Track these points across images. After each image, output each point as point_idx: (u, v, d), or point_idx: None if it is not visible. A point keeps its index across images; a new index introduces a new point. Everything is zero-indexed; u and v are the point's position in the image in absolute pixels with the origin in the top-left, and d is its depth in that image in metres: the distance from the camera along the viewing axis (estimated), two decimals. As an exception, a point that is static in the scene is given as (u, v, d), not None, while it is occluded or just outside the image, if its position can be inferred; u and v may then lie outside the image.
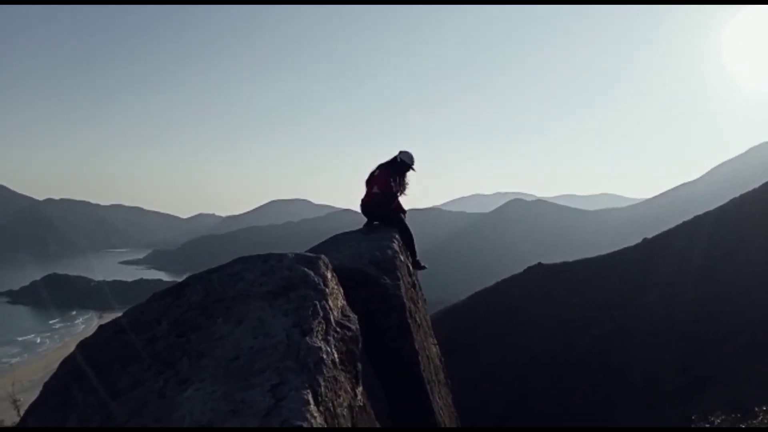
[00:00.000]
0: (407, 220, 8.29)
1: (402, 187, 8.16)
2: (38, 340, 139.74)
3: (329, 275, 4.76)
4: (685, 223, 55.20)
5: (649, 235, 59.08)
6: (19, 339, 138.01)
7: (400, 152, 8.20)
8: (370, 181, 8.08)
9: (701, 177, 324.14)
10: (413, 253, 8.03)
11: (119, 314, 4.86)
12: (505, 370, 42.58)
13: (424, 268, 8.41)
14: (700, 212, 55.69)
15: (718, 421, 7.19)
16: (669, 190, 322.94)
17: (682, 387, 31.38)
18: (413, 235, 8.19)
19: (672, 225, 58.05)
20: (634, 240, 61.15)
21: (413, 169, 8.16)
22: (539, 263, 61.82)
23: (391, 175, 7.97)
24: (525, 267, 62.52)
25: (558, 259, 64.72)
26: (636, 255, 53.94)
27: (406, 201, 8.58)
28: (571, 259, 61.76)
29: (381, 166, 8.17)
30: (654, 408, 30.35)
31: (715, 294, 39.39)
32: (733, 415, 7.21)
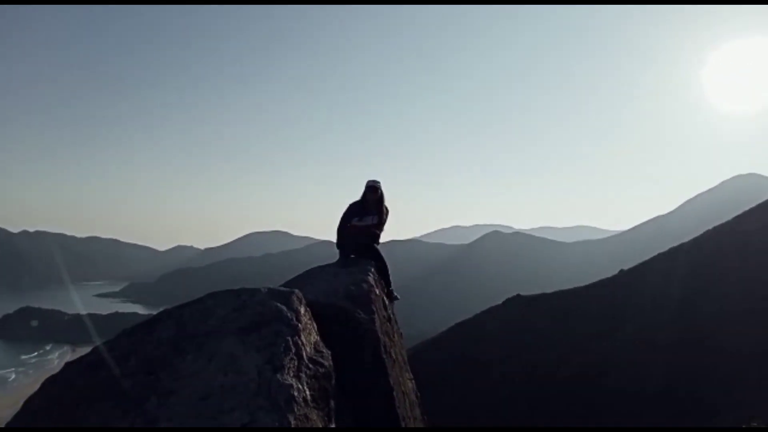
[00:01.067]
0: (382, 250, 8.30)
1: (379, 215, 8.22)
2: (11, 376, 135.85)
3: (302, 310, 4.72)
4: (660, 255, 55.96)
5: (626, 267, 59.73)
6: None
7: (367, 181, 8.28)
8: (349, 215, 8.11)
9: (675, 210, 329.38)
10: (388, 284, 8.02)
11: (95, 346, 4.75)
12: (486, 402, 42.33)
13: (396, 299, 8.40)
14: (675, 244, 56.52)
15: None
16: (644, 222, 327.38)
17: (664, 416, 31.45)
18: (388, 266, 8.20)
19: (648, 257, 58.78)
20: (612, 271, 61.75)
21: (377, 189, 8.16)
22: (518, 295, 62.05)
23: (355, 208, 8.04)
24: (504, 299, 62.68)
25: (536, 291, 65.06)
26: (613, 287, 54.45)
27: (387, 233, 8.58)
28: (549, 291, 62.10)
29: (352, 205, 8.20)
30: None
31: (694, 324, 39.82)
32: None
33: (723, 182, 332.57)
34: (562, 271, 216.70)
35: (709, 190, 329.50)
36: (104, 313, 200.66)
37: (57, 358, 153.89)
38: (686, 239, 56.64)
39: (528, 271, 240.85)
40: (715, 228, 54.77)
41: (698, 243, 53.28)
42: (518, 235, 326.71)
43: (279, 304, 4.60)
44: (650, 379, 35.92)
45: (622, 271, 58.77)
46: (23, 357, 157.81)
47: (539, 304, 57.31)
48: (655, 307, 44.58)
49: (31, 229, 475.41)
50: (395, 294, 8.29)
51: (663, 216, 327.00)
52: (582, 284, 60.88)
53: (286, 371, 3.96)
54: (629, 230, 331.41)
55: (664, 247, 57.93)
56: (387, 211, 8.44)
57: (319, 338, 4.72)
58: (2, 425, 4.21)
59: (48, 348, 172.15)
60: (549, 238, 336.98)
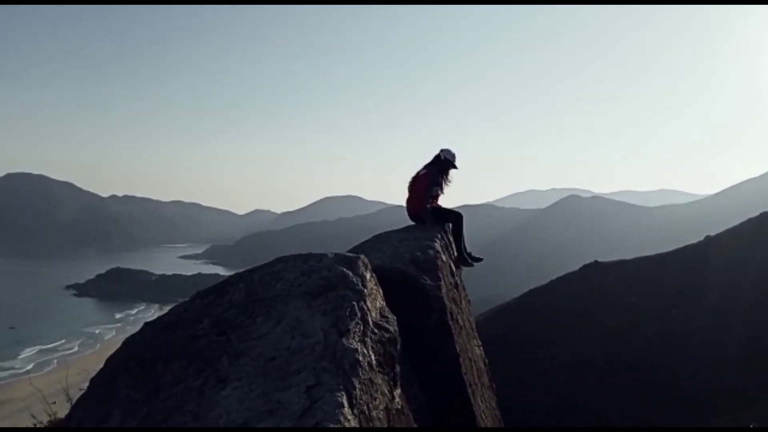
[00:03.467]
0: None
1: (445, 185, 8.15)
2: (101, 332, 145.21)
3: (368, 275, 4.73)
4: (749, 220, 52.95)
5: (712, 233, 56.95)
6: (84, 330, 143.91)
7: (441, 150, 8.17)
8: (413, 184, 8.10)
9: (767, 172, 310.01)
10: (460, 247, 7.97)
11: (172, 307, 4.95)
12: (558, 370, 41.78)
13: (479, 259, 8.32)
14: (766, 209, 53.28)
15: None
16: (733, 186, 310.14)
17: (743, 389, 30.21)
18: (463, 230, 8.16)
19: (736, 222, 55.75)
20: (696, 238, 59.07)
21: (455, 167, 8.12)
22: (595, 261, 60.44)
23: (432, 176, 7.97)
24: (581, 265, 61.21)
25: (615, 257, 63.15)
26: (698, 253, 52.08)
27: (455, 197, 8.53)
28: (629, 257, 60.16)
29: (426, 167, 8.17)
30: (713, 410, 29.32)
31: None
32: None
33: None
34: (644, 237, 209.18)
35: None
36: (188, 274, 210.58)
37: (144, 316, 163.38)
38: (779, 204, 53.35)
39: (607, 237, 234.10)
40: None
41: (792, 208, 50.14)
42: (597, 199, 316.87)
43: (345, 269, 4.63)
44: (731, 349, 34.45)
45: (708, 236, 56.08)
46: (116, 314, 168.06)
47: (618, 270, 55.65)
48: (743, 274, 42.40)
49: (120, 194, 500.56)
50: (475, 255, 8.23)
51: (754, 179, 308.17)
52: (664, 251, 58.62)
53: (352, 335, 3.99)
54: (717, 194, 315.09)
55: (755, 212, 54.69)
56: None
57: (384, 303, 4.73)
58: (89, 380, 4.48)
59: (136, 306, 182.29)
60: (630, 202, 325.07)
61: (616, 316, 46.57)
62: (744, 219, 54.70)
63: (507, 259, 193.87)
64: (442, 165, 8.09)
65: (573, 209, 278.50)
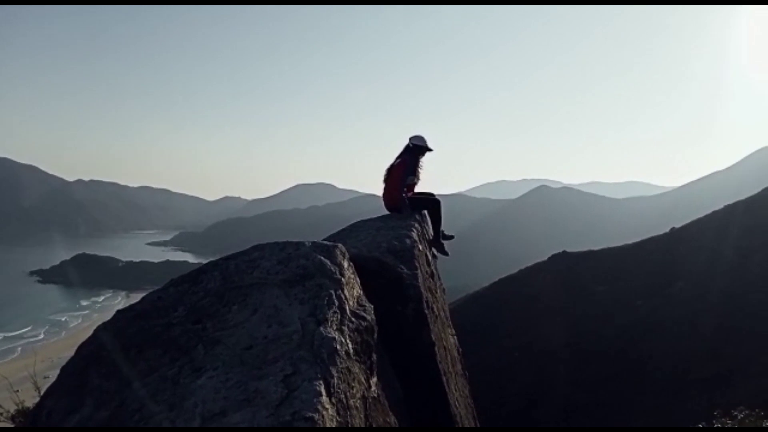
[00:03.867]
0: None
1: (420, 171, 8.19)
2: (66, 319, 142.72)
3: (346, 264, 4.71)
4: (715, 213, 54.18)
5: (678, 225, 58.13)
6: (49, 318, 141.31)
7: (410, 138, 8.19)
8: (389, 175, 8.12)
9: (734, 165, 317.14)
10: (437, 233, 8.03)
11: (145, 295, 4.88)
12: (527, 359, 42.42)
13: (445, 254, 8.37)
14: (732, 201, 54.54)
15: (741, 415, 7.03)
16: (700, 179, 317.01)
17: (707, 378, 31.00)
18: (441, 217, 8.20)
19: (702, 214, 56.99)
20: (663, 229, 60.24)
21: (429, 149, 8.14)
22: (564, 251, 61.26)
23: (407, 166, 7.99)
24: (549, 255, 62.01)
25: (583, 248, 64.06)
26: (664, 245, 53.15)
27: (426, 186, 8.56)
28: (597, 248, 61.11)
29: (399, 157, 8.17)
30: (678, 399, 30.05)
31: (745, 285, 38.74)
32: (757, 410, 7.05)
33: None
34: (612, 228, 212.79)
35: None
36: (156, 261, 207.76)
37: (111, 303, 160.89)
38: (744, 197, 54.59)
39: (576, 227, 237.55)
40: (774, 186, 52.57)
41: (755, 200, 51.35)
42: (566, 190, 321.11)
43: (323, 258, 4.61)
44: (696, 339, 35.31)
45: (673, 228, 57.23)
46: (82, 302, 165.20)
47: (586, 261, 56.52)
48: (708, 265, 43.40)
49: (86, 178, 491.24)
50: (445, 249, 8.27)
51: (720, 172, 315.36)
52: (631, 241, 59.68)
53: (329, 324, 3.97)
54: (683, 186, 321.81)
55: (720, 205, 55.95)
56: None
57: (362, 292, 4.73)
58: (59, 367, 4.38)
59: (102, 293, 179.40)
60: (599, 193, 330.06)
61: (584, 305, 47.38)
62: (709, 211, 55.91)
63: (478, 248, 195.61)
64: (413, 152, 8.10)
65: (543, 200, 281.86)
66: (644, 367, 35.51)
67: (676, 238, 53.67)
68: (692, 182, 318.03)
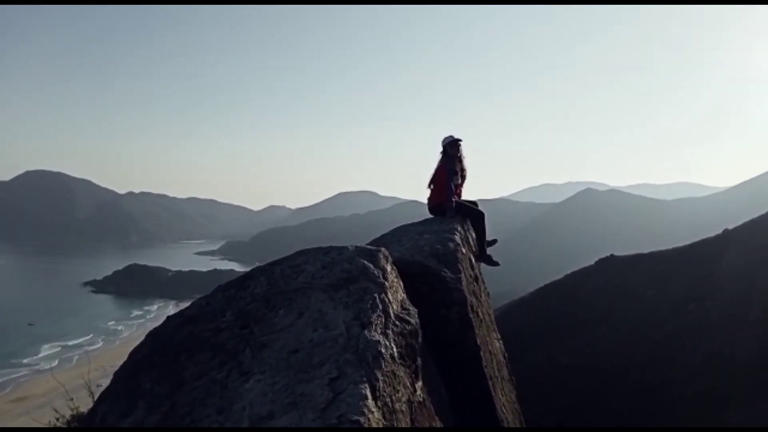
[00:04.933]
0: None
1: (460, 174, 8.11)
2: (120, 328, 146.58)
3: (389, 268, 4.72)
4: (768, 213, 52.30)
5: (731, 226, 56.29)
6: (102, 326, 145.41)
7: (442, 142, 8.12)
8: (434, 180, 8.07)
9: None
10: (482, 243, 7.94)
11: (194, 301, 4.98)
12: (574, 365, 41.59)
13: (496, 264, 8.28)
14: (788, 201, 52.58)
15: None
16: (753, 178, 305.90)
17: (760, 383, 29.88)
18: (486, 227, 8.10)
19: (755, 215, 55.07)
20: (714, 231, 58.42)
21: (457, 141, 8.00)
22: (611, 255, 59.96)
23: (447, 168, 7.94)
24: (596, 259, 60.81)
25: (632, 251, 62.59)
26: (716, 247, 51.50)
27: (472, 193, 8.51)
28: (645, 251, 59.64)
29: (446, 164, 8.12)
30: (730, 405, 29.06)
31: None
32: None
33: None
34: (661, 231, 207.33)
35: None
36: (204, 270, 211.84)
37: (162, 312, 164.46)
38: (800, 196, 52.58)
39: (624, 230, 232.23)
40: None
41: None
42: (613, 192, 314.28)
43: (366, 262, 4.63)
44: (748, 342, 34.06)
45: (726, 230, 55.42)
46: (132, 311, 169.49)
47: (635, 264, 55.18)
48: (761, 268, 41.88)
49: (137, 191, 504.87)
50: (494, 258, 8.18)
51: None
52: (682, 244, 58.07)
53: (374, 328, 3.98)
54: (736, 186, 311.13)
55: (775, 205, 53.97)
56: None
57: (405, 296, 4.73)
58: (109, 375, 4.51)
59: (153, 303, 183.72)
60: (647, 195, 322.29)
61: (633, 310, 46.24)
62: (763, 212, 54.04)
63: (523, 253, 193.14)
64: (447, 153, 8.03)
65: (589, 203, 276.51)
66: (695, 372, 34.41)
67: (728, 239, 51.97)
68: (745, 182, 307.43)
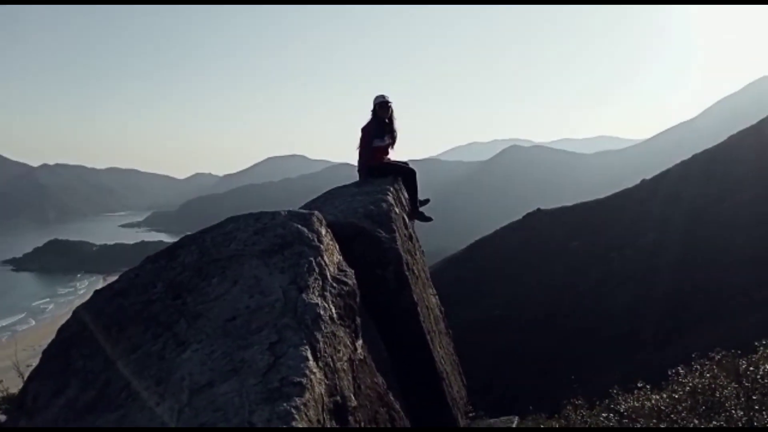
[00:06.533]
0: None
1: (390, 135, 8.03)
2: (44, 306, 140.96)
3: (323, 231, 4.70)
4: (682, 163, 55.12)
5: (648, 176, 59.04)
6: (28, 305, 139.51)
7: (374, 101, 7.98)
8: (369, 136, 7.93)
9: (700, 115, 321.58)
10: (414, 201, 7.98)
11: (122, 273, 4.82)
12: (505, 316, 43.16)
13: (429, 219, 8.35)
14: (699, 150, 55.52)
15: (718, 356, 7.27)
16: (667, 130, 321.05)
17: (680, 324, 31.88)
18: (417, 184, 8.11)
19: (670, 164, 57.95)
20: (634, 182, 61.14)
21: (387, 103, 7.86)
22: (538, 209, 61.99)
23: (371, 129, 7.84)
24: (524, 214, 62.67)
25: (557, 205, 64.88)
26: (635, 197, 54.05)
27: (403, 152, 8.48)
28: (569, 204, 61.90)
29: (368, 125, 7.98)
30: (654, 345, 30.90)
31: (711, 232, 39.66)
32: (732, 351, 7.29)
33: (749, 84, 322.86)
34: (584, 184, 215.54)
35: (735, 93, 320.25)
36: (130, 242, 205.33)
37: (91, 289, 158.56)
38: (711, 145, 55.52)
39: (548, 184, 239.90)
40: (739, 132, 53.54)
41: (719, 149, 52.32)
42: (538, 148, 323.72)
43: (300, 226, 4.59)
44: (667, 287, 36.16)
45: (644, 180, 58.12)
46: (57, 288, 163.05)
47: (560, 217, 57.28)
48: (676, 215, 44.31)
49: (51, 162, 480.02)
50: (426, 214, 8.23)
51: (687, 122, 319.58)
52: (603, 195, 60.55)
53: (312, 291, 3.98)
54: (651, 138, 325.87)
55: (688, 155, 56.91)
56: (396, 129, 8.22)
57: (341, 258, 4.73)
58: (39, 354, 4.33)
59: (78, 278, 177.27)
60: (569, 150, 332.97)
61: (560, 261, 48.16)
62: (677, 161, 56.88)
63: (453, 211, 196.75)
64: (377, 113, 7.90)
65: (515, 159, 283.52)
66: (619, 317, 36.38)
67: (646, 189, 54.59)
68: (659, 134, 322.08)
